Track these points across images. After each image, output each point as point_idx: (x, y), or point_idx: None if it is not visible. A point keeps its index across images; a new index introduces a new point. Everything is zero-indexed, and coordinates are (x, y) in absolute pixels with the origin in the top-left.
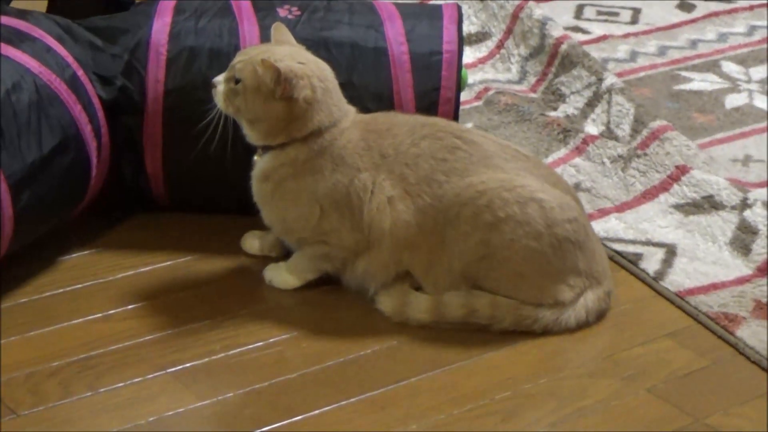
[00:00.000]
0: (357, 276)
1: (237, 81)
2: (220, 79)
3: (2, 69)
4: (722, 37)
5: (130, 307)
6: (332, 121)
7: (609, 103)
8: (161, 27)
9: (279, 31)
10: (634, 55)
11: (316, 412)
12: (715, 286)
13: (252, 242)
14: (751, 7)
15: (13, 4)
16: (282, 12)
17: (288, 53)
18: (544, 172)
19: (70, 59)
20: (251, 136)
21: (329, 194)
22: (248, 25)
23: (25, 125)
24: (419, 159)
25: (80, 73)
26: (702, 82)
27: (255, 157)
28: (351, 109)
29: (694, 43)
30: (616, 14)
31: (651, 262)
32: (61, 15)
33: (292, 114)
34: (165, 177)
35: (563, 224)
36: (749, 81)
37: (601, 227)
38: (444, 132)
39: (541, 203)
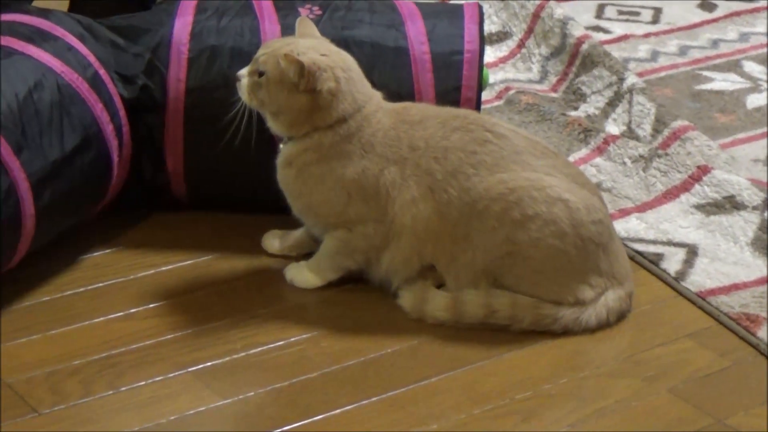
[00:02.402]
0: (381, 271)
1: (261, 74)
2: (243, 72)
3: (24, 68)
4: (744, 37)
5: (150, 305)
6: (356, 107)
7: (630, 102)
8: (183, 26)
9: (303, 24)
10: (655, 55)
11: (337, 411)
12: (736, 287)
13: (272, 242)
14: None
15: (35, 3)
16: (303, 11)
17: (311, 45)
18: (572, 171)
19: (91, 58)
20: (275, 128)
21: (357, 180)
22: (269, 24)
23: (47, 124)
24: (448, 152)
25: (102, 72)
26: (723, 82)
27: (281, 145)
28: (376, 94)
29: (715, 43)
30: (637, 14)
31: (672, 263)
32: (82, 14)
33: (316, 105)
34: (186, 175)
35: (588, 225)
36: None
37: (621, 227)
38: (475, 125)
39: (568, 204)
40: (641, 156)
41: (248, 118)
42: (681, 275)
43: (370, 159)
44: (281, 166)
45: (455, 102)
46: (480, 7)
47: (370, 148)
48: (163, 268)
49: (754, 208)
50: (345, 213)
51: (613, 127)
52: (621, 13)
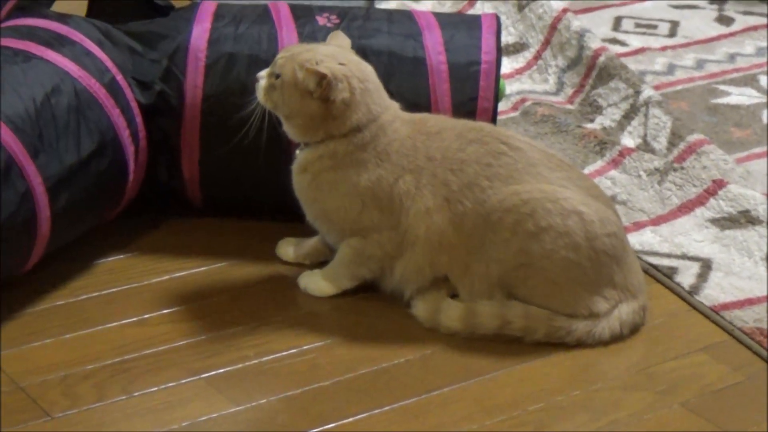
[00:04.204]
0: (395, 281)
1: (277, 76)
2: (263, 74)
3: (42, 72)
4: (760, 52)
5: (164, 311)
6: (370, 117)
7: (646, 115)
8: (200, 33)
9: (336, 37)
10: (671, 68)
11: (349, 419)
12: (750, 301)
13: (287, 249)
14: None
15: (53, 8)
16: (321, 20)
17: (330, 53)
18: (587, 183)
19: (109, 63)
20: (290, 132)
21: (371, 188)
22: (287, 32)
23: (63, 128)
24: (464, 164)
25: (119, 77)
26: (740, 96)
27: (297, 151)
28: (393, 104)
29: (732, 57)
30: (654, 27)
31: (686, 276)
32: (100, 19)
33: (329, 114)
34: (201, 181)
35: (602, 238)
36: None
37: (636, 240)
38: (490, 137)
39: (582, 216)
40: (656, 169)
41: (264, 122)
42: (695, 289)
43: (385, 168)
44: (296, 172)
45: (471, 113)
46: (497, 18)
47: (386, 156)
48: (177, 274)
49: None
50: (359, 221)
51: (628, 140)
52: (638, 26)
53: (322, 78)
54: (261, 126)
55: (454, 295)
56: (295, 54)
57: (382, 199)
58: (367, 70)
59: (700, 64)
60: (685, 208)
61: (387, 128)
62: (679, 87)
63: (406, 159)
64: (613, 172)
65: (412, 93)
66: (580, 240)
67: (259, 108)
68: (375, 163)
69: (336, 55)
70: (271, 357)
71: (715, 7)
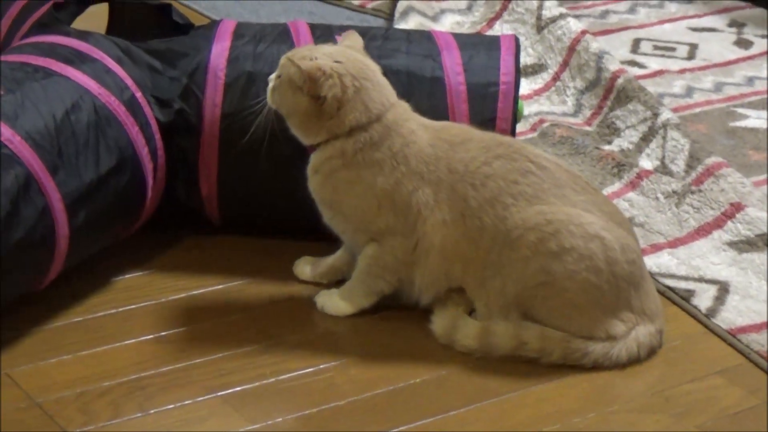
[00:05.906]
0: (415, 291)
1: (279, 76)
2: (272, 76)
3: (62, 89)
4: None
5: (181, 329)
6: (370, 116)
7: (664, 138)
8: (220, 51)
9: (349, 38)
10: (690, 91)
11: None
12: (767, 325)
13: (304, 268)
14: None
15: (74, 25)
16: (340, 39)
17: (330, 52)
18: (610, 209)
19: (129, 81)
20: (294, 132)
21: (389, 191)
22: None
23: (83, 145)
24: (488, 179)
25: (138, 95)
26: (758, 120)
27: (311, 155)
28: (400, 104)
29: (750, 80)
30: (673, 49)
31: (703, 299)
32: (121, 37)
33: (323, 111)
34: (219, 199)
35: (622, 264)
36: None
37: (653, 262)
38: (519, 154)
39: (604, 242)
40: (674, 192)
41: (277, 139)
42: (712, 312)
43: (403, 173)
44: (310, 174)
45: None
46: (516, 39)
47: (404, 160)
48: (195, 292)
49: None
50: (374, 222)
51: (646, 162)
52: (657, 48)
53: (303, 72)
54: (279, 145)
55: (472, 311)
56: (296, 53)
57: (398, 205)
58: (368, 69)
59: (718, 87)
60: (703, 230)
61: (399, 128)
62: (697, 110)
63: (426, 167)
64: (631, 195)
65: (431, 113)
66: (601, 264)
67: (266, 110)
68: (391, 165)
69: (336, 53)
70: (288, 376)
71: (733, 30)
